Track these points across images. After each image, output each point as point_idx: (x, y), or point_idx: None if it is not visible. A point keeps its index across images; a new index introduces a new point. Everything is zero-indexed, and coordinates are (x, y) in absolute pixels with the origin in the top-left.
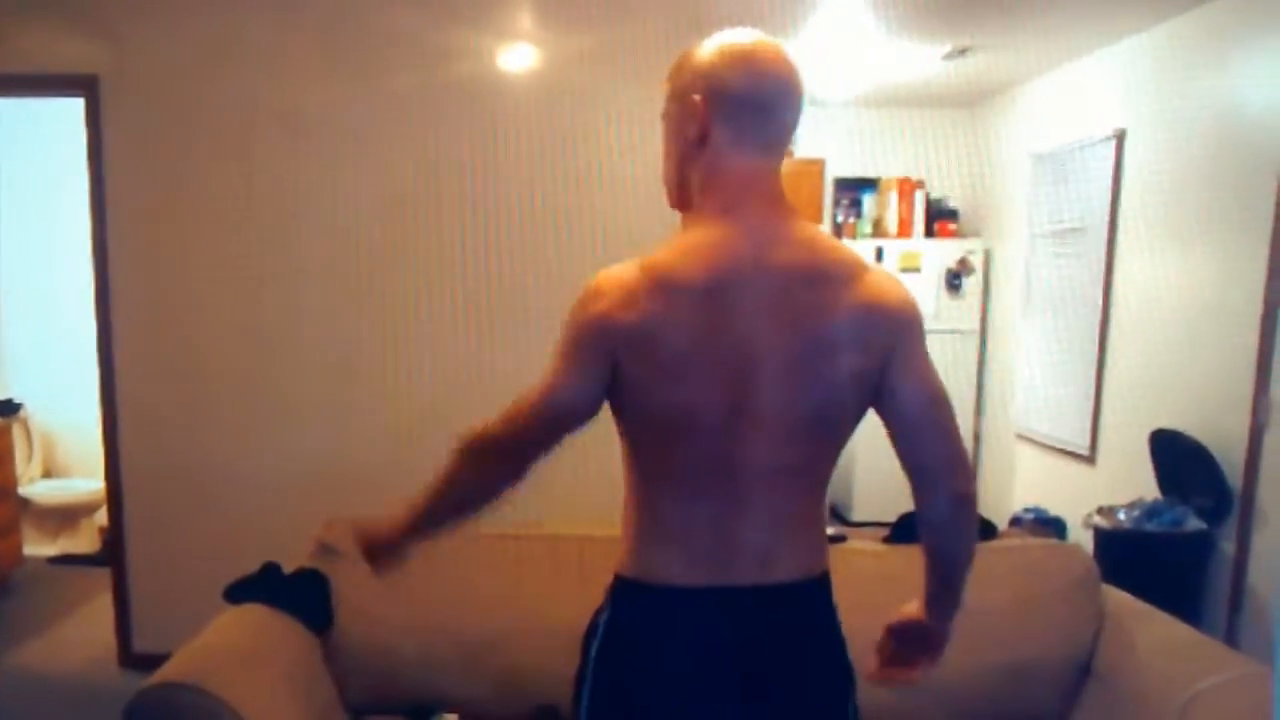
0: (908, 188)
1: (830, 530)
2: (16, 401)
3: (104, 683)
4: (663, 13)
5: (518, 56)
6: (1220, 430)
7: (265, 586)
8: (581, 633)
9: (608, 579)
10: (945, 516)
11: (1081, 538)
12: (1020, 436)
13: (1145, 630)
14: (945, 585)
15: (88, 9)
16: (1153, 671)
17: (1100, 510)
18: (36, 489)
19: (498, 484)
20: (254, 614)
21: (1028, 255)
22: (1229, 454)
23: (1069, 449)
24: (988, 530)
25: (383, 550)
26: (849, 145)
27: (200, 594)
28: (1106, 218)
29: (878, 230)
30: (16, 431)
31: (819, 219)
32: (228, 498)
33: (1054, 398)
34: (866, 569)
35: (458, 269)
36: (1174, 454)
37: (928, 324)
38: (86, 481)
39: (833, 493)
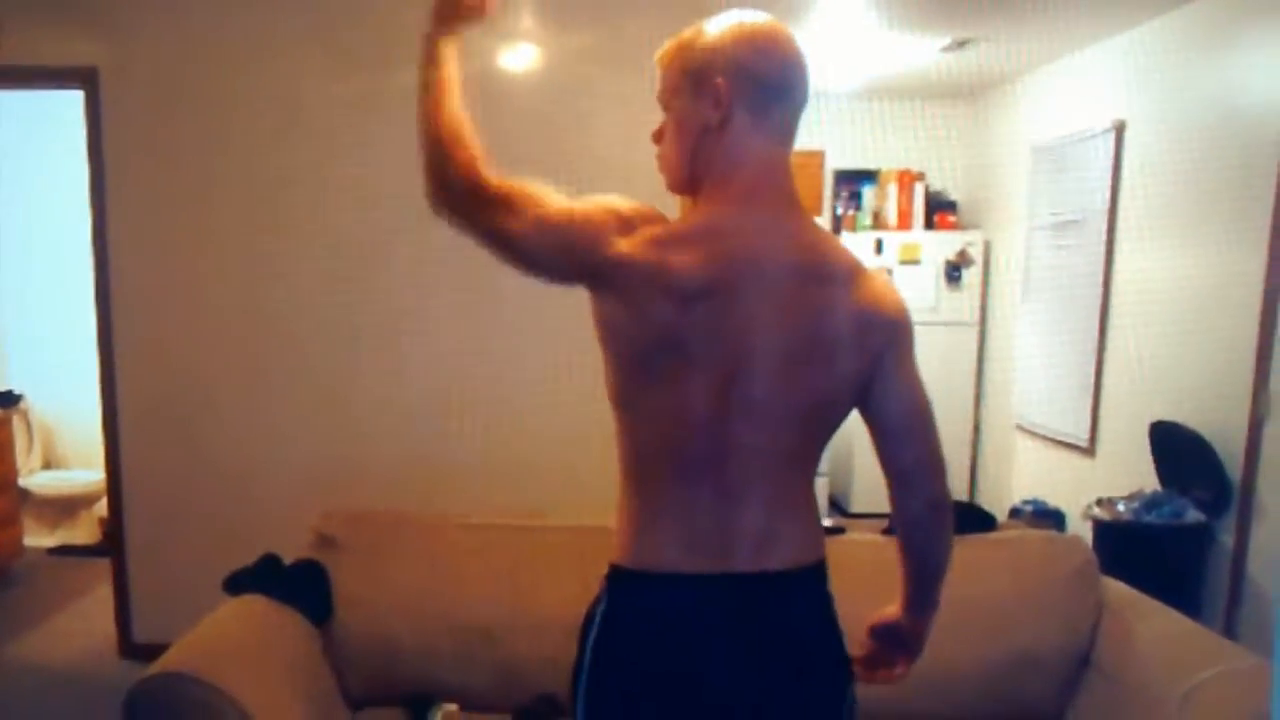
0: (907, 180)
1: (830, 522)
2: (17, 393)
3: (104, 673)
4: (662, 9)
5: (519, 55)
6: (1220, 422)
7: (264, 577)
8: (580, 622)
9: (606, 569)
10: (921, 519)
11: (1081, 529)
12: (1019, 428)
13: (1144, 622)
14: (922, 586)
15: (87, 2)
16: (1152, 663)
17: (1099, 502)
18: (37, 480)
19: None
20: (253, 605)
21: (1027, 247)
22: (1229, 445)
23: (1068, 441)
24: (987, 522)
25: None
26: (849, 137)
27: (199, 585)
28: (1106, 209)
29: (877, 222)
30: (17, 423)
31: (819, 211)
32: (227, 489)
33: (1053, 389)
34: (865, 559)
35: (459, 265)
36: (1173, 446)
37: (927, 316)
38: (86, 473)
39: (832, 484)
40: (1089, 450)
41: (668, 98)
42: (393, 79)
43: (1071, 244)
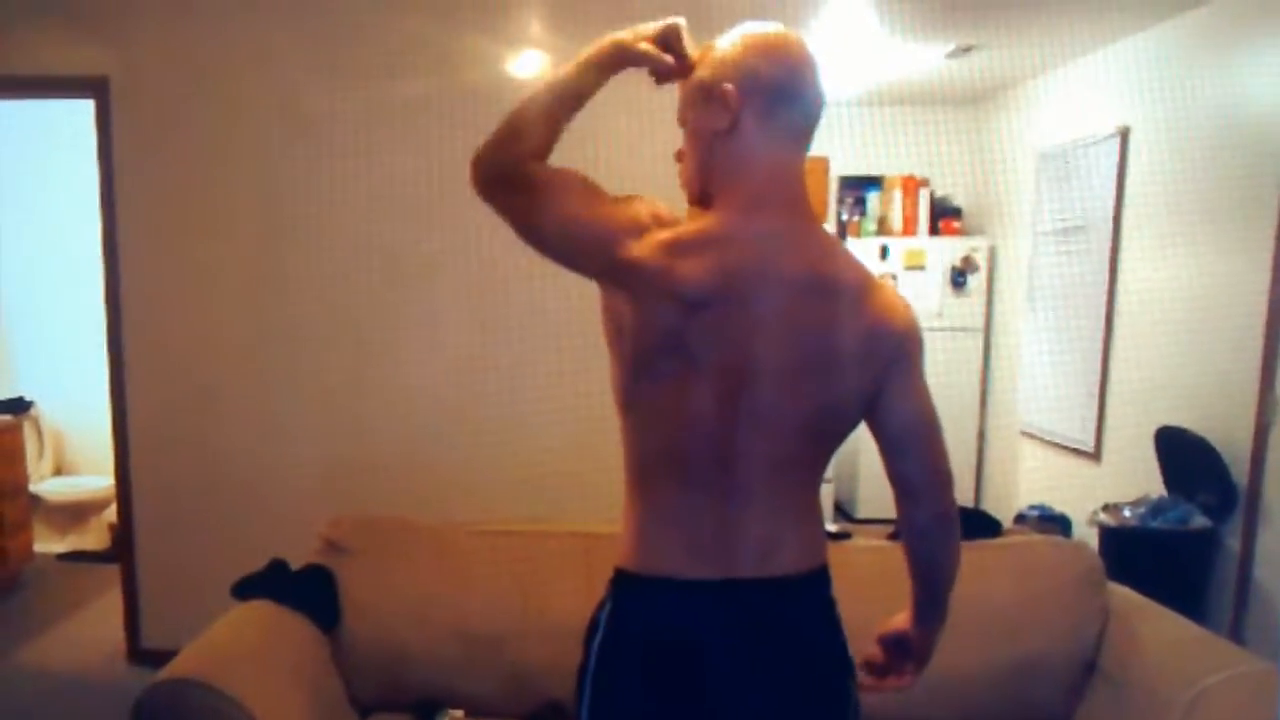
0: (912, 186)
1: (835, 527)
2: (28, 399)
3: (113, 678)
4: (669, 16)
5: (528, 62)
6: (1225, 427)
7: (272, 583)
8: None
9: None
10: (928, 531)
11: (1086, 535)
12: (1025, 434)
13: (1151, 627)
14: (930, 595)
15: (98, 11)
16: (1158, 668)
17: (1105, 507)
18: (47, 486)
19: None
20: (261, 610)
21: (1032, 253)
22: (1234, 451)
23: (1074, 446)
24: (992, 527)
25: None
26: (853, 144)
27: (208, 590)
28: (1111, 215)
29: (882, 228)
30: (27, 429)
31: (824, 217)
32: (236, 495)
33: (1059, 395)
34: (871, 564)
35: (468, 273)
36: (1179, 451)
37: (932, 321)
38: (96, 479)
39: (838, 490)
40: (1094, 455)
41: (683, 112)
42: (399, 89)
43: (1077, 249)
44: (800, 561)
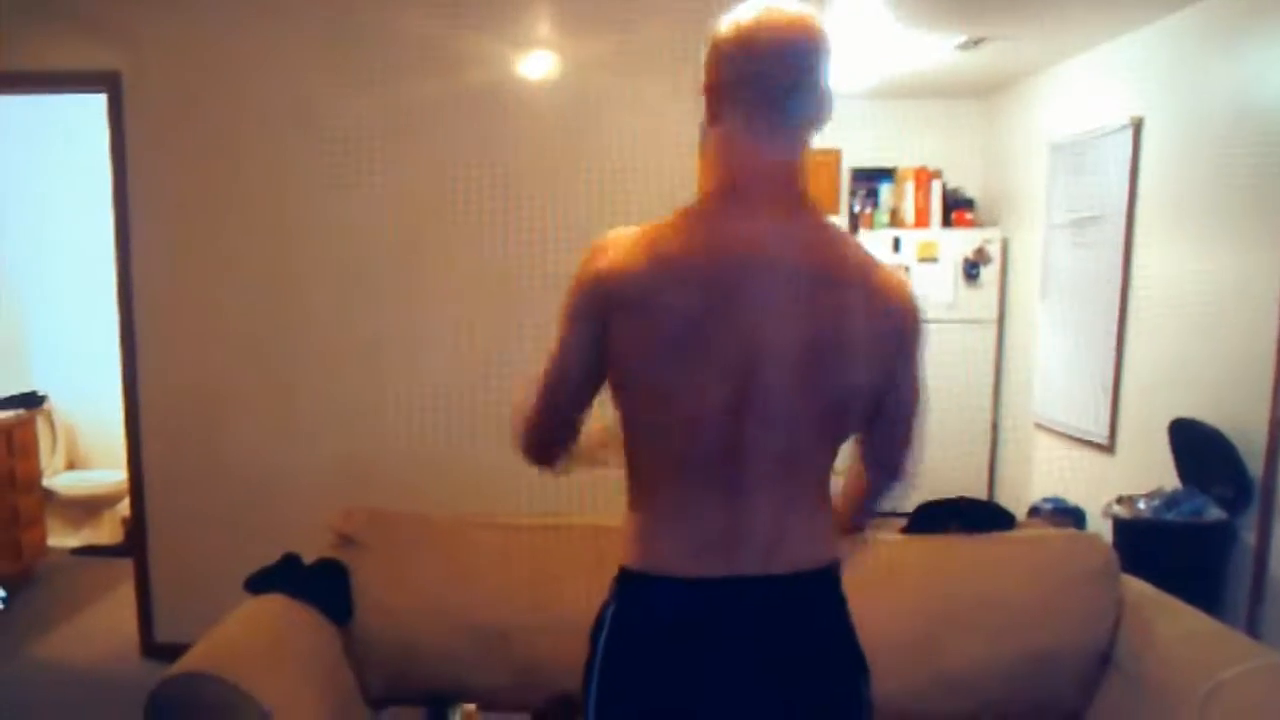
0: (924, 177)
1: None
2: (41, 394)
3: (126, 672)
4: (679, 14)
5: (537, 63)
6: (1240, 419)
7: (285, 577)
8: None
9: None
10: (881, 488)
11: (1100, 527)
12: (1039, 426)
13: (1165, 620)
14: (855, 510)
15: (110, 7)
16: (1173, 661)
17: (1119, 500)
18: (60, 481)
19: (558, 447)
20: (274, 604)
21: (1045, 244)
22: (1249, 443)
23: (1088, 438)
24: (1006, 520)
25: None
26: (865, 136)
27: (221, 584)
28: (1124, 206)
29: (895, 220)
30: (41, 424)
31: (836, 209)
32: (248, 489)
33: (1072, 387)
34: (884, 558)
35: (480, 270)
36: (1194, 443)
37: (945, 313)
38: (109, 473)
39: None
40: (1109, 448)
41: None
42: (411, 89)
43: (1090, 241)
44: (810, 557)
